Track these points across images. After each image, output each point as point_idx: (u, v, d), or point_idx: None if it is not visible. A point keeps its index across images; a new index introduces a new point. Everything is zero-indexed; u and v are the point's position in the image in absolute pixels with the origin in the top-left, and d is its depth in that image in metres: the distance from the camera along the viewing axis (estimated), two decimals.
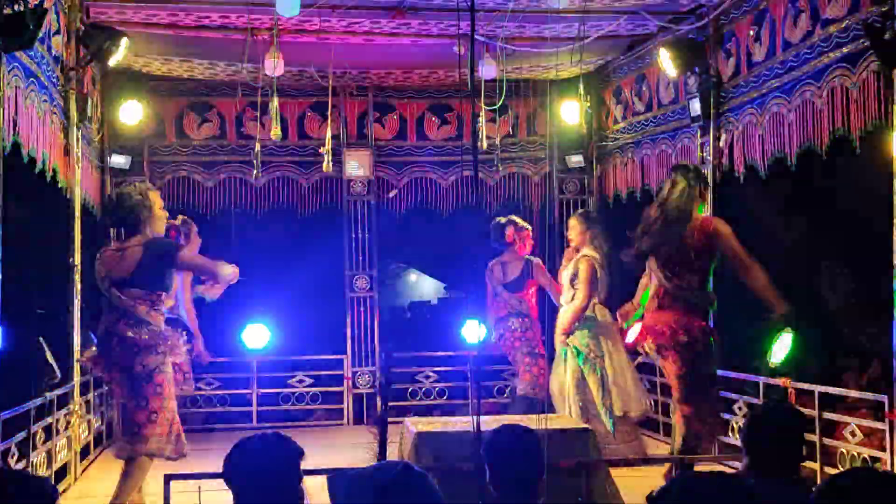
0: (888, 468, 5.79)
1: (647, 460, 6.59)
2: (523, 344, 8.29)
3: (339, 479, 2.57)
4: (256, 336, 9.82)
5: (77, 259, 7.51)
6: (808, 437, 6.68)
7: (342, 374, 10.04)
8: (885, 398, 5.87)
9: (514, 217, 8.53)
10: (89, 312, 7.35)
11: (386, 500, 2.42)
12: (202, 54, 8.76)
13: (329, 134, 8.26)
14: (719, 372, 7.26)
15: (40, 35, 5.65)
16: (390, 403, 7.23)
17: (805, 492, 2.87)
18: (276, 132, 7.69)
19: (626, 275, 7.06)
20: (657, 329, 6.08)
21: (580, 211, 8.62)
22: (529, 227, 8.49)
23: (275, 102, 7.69)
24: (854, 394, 7.67)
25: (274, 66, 7.64)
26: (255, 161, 8.28)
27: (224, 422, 9.52)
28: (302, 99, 9.89)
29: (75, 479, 7.24)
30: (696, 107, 7.84)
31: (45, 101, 6.49)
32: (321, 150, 8.31)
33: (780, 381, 7.31)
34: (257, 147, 8.25)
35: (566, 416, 7.38)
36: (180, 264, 6.08)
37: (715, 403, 6.25)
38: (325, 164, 8.32)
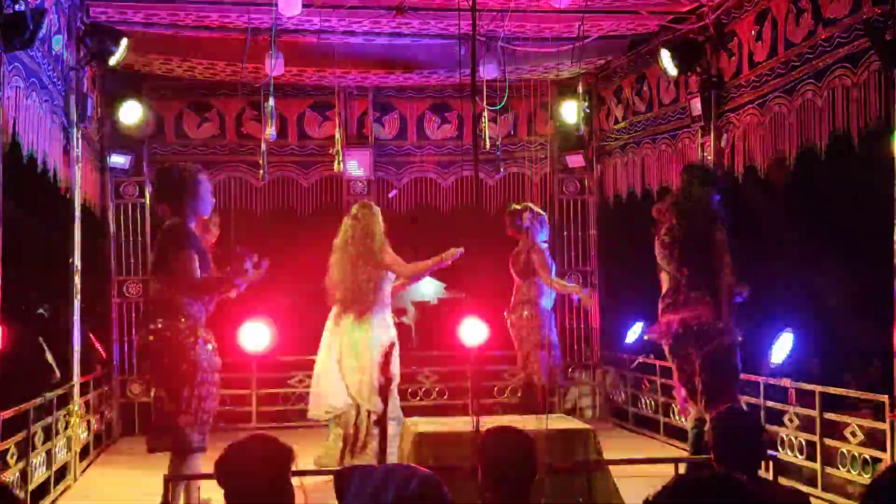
0: None
1: (648, 460, 6.57)
2: (532, 334, 8.14)
3: (347, 477, 2.56)
4: (256, 336, 9.79)
5: (77, 259, 7.50)
6: (809, 437, 6.68)
7: None
8: (885, 398, 5.86)
9: (530, 203, 8.42)
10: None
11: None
12: (202, 54, 8.76)
13: (337, 135, 8.28)
14: None
15: (41, 35, 5.64)
16: None
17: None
18: (269, 132, 7.70)
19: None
20: (673, 326, 6.02)
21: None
22: (545, 213, 8.43)
23: (270, 102, 7.68)
24: (854, 394, 7.67)
25: (273, 65, 7.64)
26: (261, 161, 8.29)
27: (224, 422, 9.50)
28: (302, 99, 9.88)
29: (75, 479, 7.23)
30: (696, 107, 7.84)
31: (45, 100, 6.48)
32: (331, 150, 8.28)
33: (780, 381, 7.31)
34: (263, 147, 8.24)
35: (566, 416, 7.38)
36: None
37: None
38: (335, 165, 8.32)
